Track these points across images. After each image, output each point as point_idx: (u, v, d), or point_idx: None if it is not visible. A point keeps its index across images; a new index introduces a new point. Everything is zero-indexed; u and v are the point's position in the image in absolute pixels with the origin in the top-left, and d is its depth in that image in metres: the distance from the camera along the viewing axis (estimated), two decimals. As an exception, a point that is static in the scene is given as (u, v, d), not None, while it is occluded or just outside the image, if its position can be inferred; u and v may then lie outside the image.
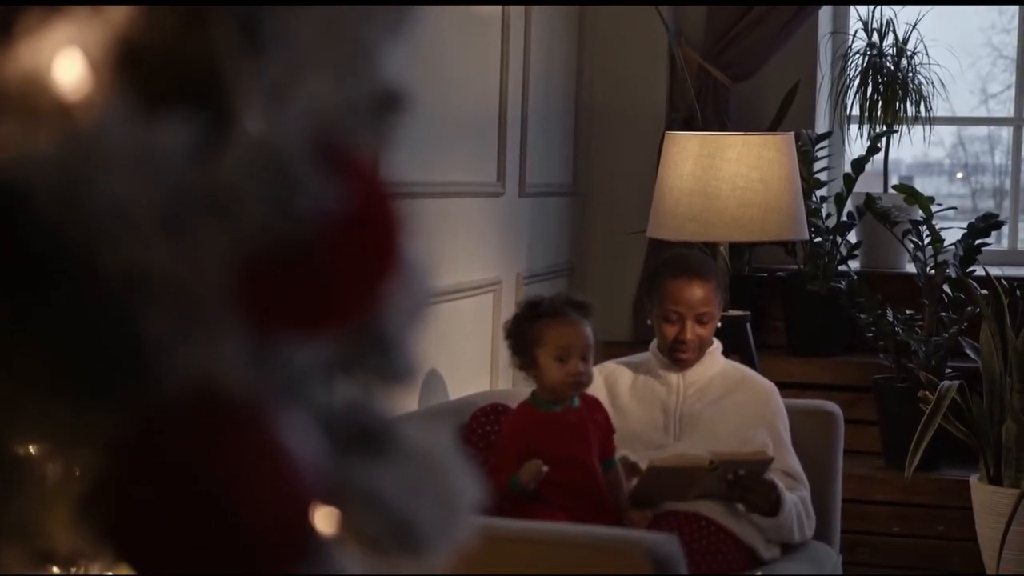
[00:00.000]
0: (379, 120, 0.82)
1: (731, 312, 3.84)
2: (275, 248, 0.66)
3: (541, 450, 2.95)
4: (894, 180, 5.25)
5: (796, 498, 3.26)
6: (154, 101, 0.67)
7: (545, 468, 2.89)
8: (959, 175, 7.48)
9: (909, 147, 5.35)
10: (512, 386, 3.21)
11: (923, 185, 6.51)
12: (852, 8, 5.30)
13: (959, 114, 6.00)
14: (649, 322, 3.42)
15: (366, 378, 0.87)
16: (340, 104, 0.77)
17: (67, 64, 0.68)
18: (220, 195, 0.64)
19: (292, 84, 0.75)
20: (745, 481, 3.11)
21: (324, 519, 0.83)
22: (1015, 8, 5.47)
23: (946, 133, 6.83)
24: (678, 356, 3.33)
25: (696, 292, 3.30)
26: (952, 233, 4.59)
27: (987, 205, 6.95)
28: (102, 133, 0.63)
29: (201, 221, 0.64)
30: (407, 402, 3.53)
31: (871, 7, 5.16)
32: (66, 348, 0.64)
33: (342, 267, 0.69)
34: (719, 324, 3.43)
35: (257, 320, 0.68)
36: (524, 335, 3.01)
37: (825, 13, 5.31)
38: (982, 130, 7.39)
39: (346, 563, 0.85)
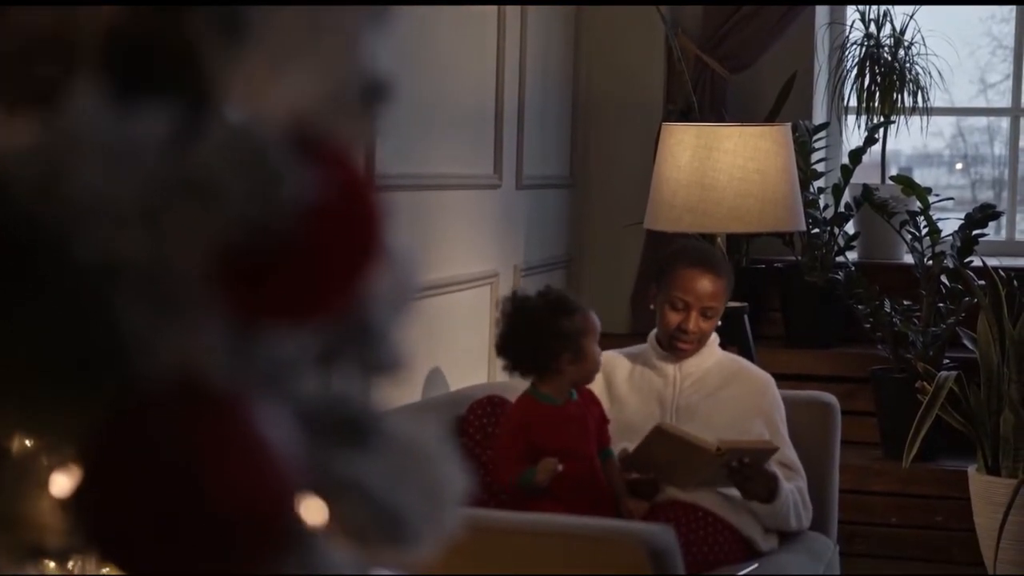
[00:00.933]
0: (363, 110, 0.82)
1: (728, 303, 3.84)
2: (254, 237, 0.65)
3: (545, 443, 2.95)
4: (894, 171, 5.25)
5: (793, 487, 3.26)
6: (133, 90, 0.67)
7: (560, 467, 2.89)
8: (959, 166, 7.47)
9: (908, 138, 5.35)
10: (511, 378, 3.21)
11: (923, 176, 6.52)
12: None
13: (958, 104, 6.00)
14: (652, 307, 3.42)
15: (352, 369, 0.87)
16: (322, 94, 0.77)
17: (46, 54, 0.68)
18: (198, 184, 0.64)
19: (274, 73, 0.75)
20: (748, 470, 3.11)
21: (310, 511, 0.82)
22: (1013, -2, 5.47)
23: (946, 124, 6.81)
24: (677, 346, 3.33)
25: (707, 285, 3.31)
26: (952, 224, 4.60)
27: (987, 196, 6.93)
28: (80, 122, 0.63)
29: (179, 210, 0.64)
30: (407, 394, 3.53)
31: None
32: (45, 339, 0.64)
33: (322, 256, 0.69)
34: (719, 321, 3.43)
35: (237, 310, 0.68)
36: (564, 329, 3.00)
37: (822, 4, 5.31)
38: (982, 121, 7.38)
39: (333, 555, 0.85)
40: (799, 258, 4.88)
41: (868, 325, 4.56)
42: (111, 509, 0.64)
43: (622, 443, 3.20)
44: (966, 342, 4.42)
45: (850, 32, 5.21)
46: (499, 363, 3.12)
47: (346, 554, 0.85)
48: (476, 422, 3.19)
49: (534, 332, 3.01)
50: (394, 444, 0.88)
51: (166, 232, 0.64)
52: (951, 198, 5.00)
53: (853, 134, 5.22)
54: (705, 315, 3.32)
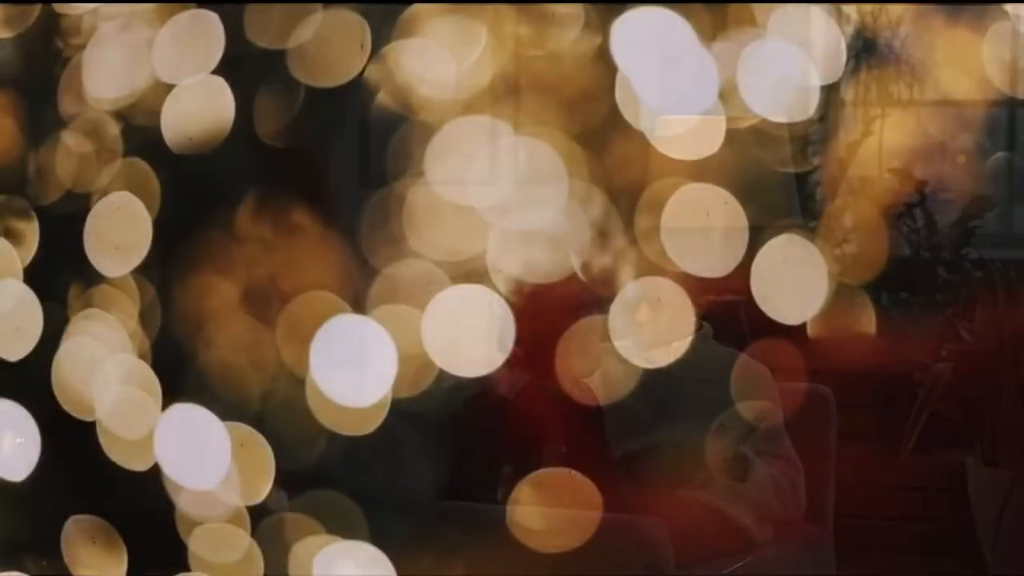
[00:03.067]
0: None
1: (725, 296, 3.83)
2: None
3: (550, 436, 2.96)
4: (895, 164, 5.24)
5: (775, 471, 3.27)
6: None
7: (563, 449, 2.90)
8: (959, 158, 7.46)
9: (909, 131, 5.34)
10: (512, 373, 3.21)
11: (925, 169, 6.48)
12: (846, -6, 5.29)
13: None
14: None
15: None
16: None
17: None
18: None
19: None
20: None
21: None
22: (1012, -10, 5.45)
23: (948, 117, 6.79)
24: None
25: None
26: (949, 216, 4.59)
27: (988, 188, 6.92)
28: None
29: None
30: (404, 388, 3.52)
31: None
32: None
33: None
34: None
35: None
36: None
37: (819, -3, 5.30)
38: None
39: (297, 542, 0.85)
40: (796, 251, 4.87)
41: (866, 317, 4.55)
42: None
43: (626, 443, 3.22)
44: (963, 334, 4.41)
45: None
46: (499, 359, 3.12)
47: (309, 541, 0.86)
48: (471, 416, 3.20)
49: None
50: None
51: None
52: (948, 190, 4.99)
53: (850, 127, 5.21)
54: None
